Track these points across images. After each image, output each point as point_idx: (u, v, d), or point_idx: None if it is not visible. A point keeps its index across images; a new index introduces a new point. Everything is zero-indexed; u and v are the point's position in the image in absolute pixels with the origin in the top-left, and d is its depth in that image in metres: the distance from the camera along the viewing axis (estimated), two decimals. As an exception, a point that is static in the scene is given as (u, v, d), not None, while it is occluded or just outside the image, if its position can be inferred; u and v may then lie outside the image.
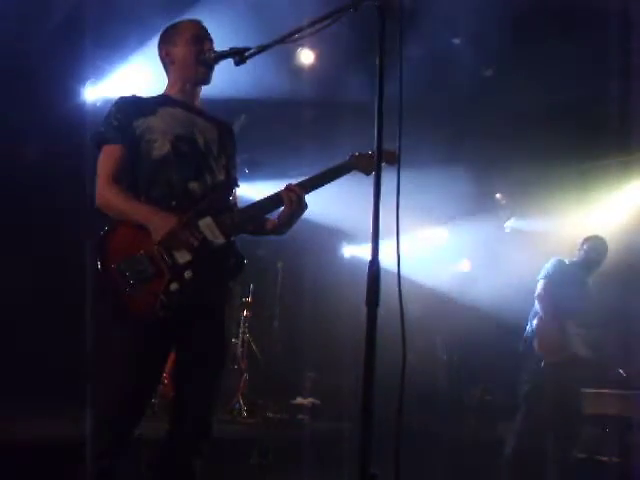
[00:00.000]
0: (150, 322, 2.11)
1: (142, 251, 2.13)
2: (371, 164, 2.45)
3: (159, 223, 2.15)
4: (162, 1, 4.66)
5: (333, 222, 8.01)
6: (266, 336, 7.25)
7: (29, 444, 3.46)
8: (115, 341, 2.17)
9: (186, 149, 2.33)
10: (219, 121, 2.55)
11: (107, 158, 2.28)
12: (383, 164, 1.83)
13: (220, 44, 2.45)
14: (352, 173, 2.53)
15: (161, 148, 2.29)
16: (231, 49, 2.33)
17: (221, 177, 2.43)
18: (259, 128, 6.42)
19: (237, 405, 5.84)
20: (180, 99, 2.44)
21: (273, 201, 2.35)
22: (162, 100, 2.42)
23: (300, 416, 6.04)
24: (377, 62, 1.79)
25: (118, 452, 2.12)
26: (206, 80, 2.47)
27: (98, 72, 5.71)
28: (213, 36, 2.50)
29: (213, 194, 2.32)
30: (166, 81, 2.52)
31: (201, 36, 2.46)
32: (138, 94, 2.45)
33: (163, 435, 2.26)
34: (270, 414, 6.15)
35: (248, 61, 2.29)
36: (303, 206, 2.36)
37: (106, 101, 5.35)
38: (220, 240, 2.22)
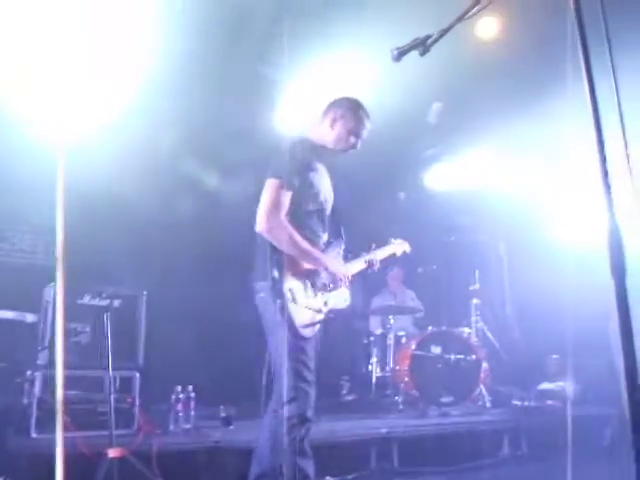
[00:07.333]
0: (301, 333, 2.68)
1: (305, 279, 2.75)
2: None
3: (339, 268, 2.90)
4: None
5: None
6: (499, 325, 7.04)
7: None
8: (284, 344, 2.62)
9: (324, 208, 2.90)
10: None
11: (279, 195, 2.67)
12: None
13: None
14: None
15: (314, 203, 2.82)
16: (413, 40, 2.24)
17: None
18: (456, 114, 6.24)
19: (480, 395, 5.77)
20: (326, 154, 2.97)
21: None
22: (320, 153, 2.91)
23: (549, 402, 5.72)
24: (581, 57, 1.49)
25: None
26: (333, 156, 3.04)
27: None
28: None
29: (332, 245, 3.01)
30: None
31: (358, 133, 2.96)
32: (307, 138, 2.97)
33: None
34: (516, 402, 5.92)
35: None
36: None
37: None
38: None
